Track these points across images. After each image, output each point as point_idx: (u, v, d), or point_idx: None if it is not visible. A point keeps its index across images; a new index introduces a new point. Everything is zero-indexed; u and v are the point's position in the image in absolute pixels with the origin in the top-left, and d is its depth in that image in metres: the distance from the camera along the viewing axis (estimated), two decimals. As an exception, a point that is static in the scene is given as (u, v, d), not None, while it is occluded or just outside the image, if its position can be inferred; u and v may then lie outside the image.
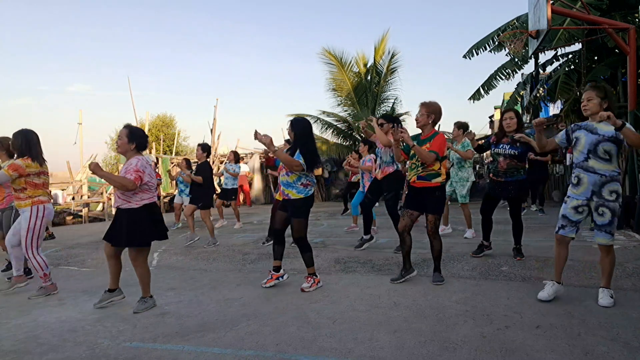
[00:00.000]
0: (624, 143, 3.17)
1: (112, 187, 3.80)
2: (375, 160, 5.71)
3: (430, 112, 4.04)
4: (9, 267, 5.13)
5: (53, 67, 63.23)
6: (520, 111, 16.95)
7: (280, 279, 4.21)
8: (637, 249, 5.09)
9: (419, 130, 4.19)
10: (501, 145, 4.67)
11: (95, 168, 3.49)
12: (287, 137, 4.35)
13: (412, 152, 4.06)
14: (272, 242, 6.28)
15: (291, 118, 4.07)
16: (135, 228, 3.50)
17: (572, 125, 3.44)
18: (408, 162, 4.21)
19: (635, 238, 5.71)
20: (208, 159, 7.14)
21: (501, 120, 4.74)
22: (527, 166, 4.83)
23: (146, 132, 3.89)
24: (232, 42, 79.60)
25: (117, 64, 63.24)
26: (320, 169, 15.66)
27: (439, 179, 4.02)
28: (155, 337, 3.01)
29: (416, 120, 4.10)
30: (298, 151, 3.89)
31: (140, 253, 3.61)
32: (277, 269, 4.19)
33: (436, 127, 4.22)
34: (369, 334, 2.88)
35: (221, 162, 16.67)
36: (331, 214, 10.57)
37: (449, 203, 6.52)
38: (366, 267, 4.80)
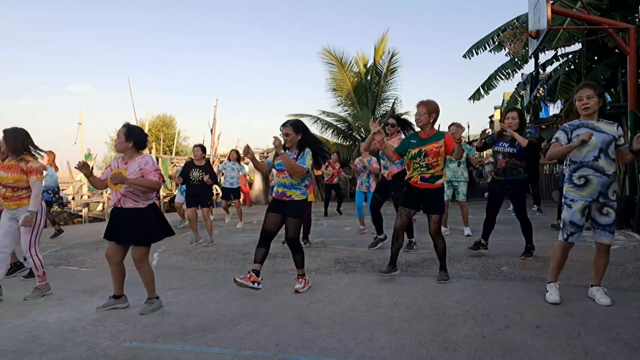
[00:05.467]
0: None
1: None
2: (379, 161, 5.75)
3: (431, 110, 4.04)
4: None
5: (53, 67, 63.28)
6: (520, 111, 16.91)
7: (256, 284, 3.75)
8: (637, 249, 5.08)
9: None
10: (500, 143, 4.72)
11: (122, 179, 3.28)
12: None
13: (413, 152, 4.07)
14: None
15: (290, 119, 4.00)
16: (151, 226, 3.51)
17: (566, 125, 3.34)
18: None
19: (635, 238, 5.71)
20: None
21: (504, 119, 4.77)
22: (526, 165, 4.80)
23: (146, 132, 3.82)
24: (232, 42, 79.66)
25: (117, 64, 63.38)
26: (321, 169, 15.68)
27: (441, 181, 4.06)
28: (155, 337, 3.01)
29: (417, 120, 4.11)
30: (308, 153, 3.85)
31: (146, 253, 3.59)
32: (257, 273, 3.79)
33: (435, 126, 4.22)
34: (369, 334, 2.88)
35: (221, 162, 16.65)
36: (331, 214, 10.58)
37: (449, 205, 6.62)
38: (366, 267, 4.80)
